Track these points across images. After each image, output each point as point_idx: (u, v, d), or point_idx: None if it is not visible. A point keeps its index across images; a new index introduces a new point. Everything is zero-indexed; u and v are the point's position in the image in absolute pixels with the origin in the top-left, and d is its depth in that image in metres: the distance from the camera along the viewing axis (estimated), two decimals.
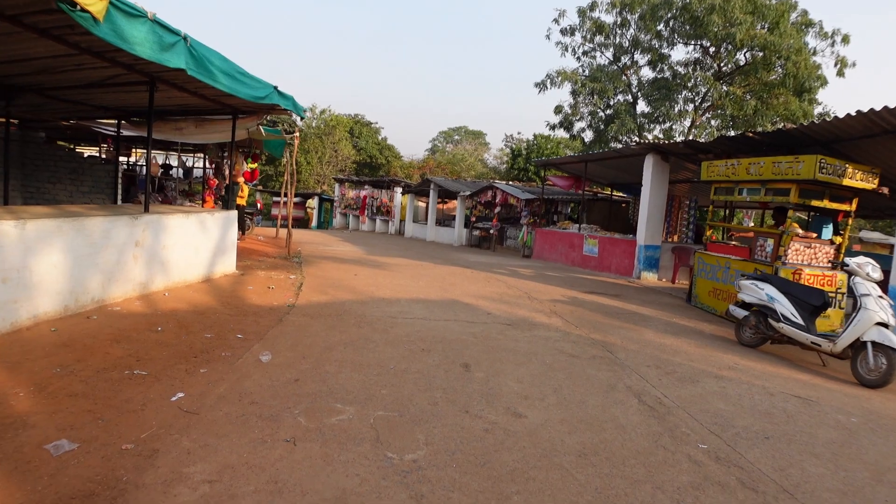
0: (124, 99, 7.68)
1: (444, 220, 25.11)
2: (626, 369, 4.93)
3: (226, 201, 12.87)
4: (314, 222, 32.69)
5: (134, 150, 11.66)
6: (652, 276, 12.65)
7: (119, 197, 9.18)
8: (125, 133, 9.21)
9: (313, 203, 32.43)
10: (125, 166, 10.69)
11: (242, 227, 14.08)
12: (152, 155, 10.29)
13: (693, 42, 20.57)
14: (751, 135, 8.99)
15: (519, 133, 51.30)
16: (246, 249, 11.73)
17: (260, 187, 34.35)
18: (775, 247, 7.70)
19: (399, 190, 27.57)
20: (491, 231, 19.29)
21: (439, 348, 5.08)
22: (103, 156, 9.00)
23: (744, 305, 6.61)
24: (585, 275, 12.72)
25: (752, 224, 15.77)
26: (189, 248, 6.78)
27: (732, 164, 8.61)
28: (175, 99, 7.36)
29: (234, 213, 7.94)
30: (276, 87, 6.47)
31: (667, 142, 11.34)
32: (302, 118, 7.62)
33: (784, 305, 6.04)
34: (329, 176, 39.14)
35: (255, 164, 12.26)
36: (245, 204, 14.08)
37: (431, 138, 69.55)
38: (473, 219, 21.02)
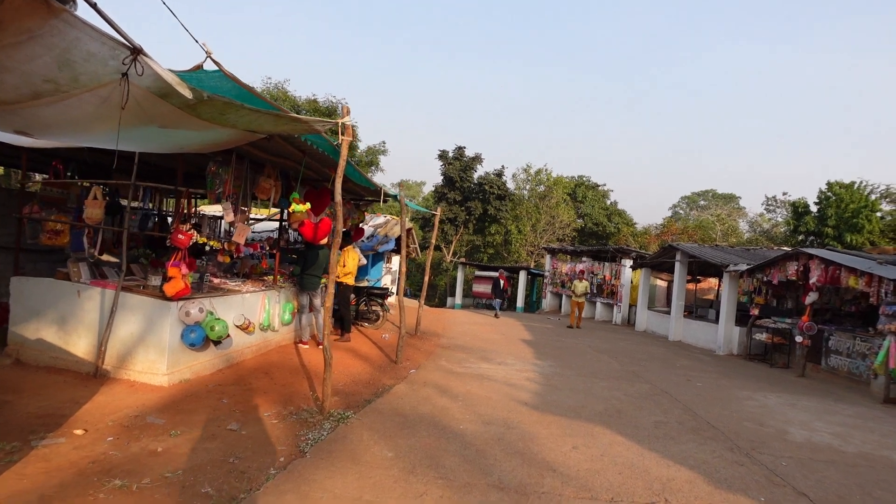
0: None
1: (697, 307, 16.33)
2: None
3: (302, 280, 7.71)
4: (520, 303, 26.72)
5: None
6: None
7: None
8: None
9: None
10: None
11: (345, 323, 8.68)
12: (102, 193, 5.63)
13: None
14: None
15: (785, 194, 38.60)
16: (289, 371, 6.16)
17: (464, 259, 30.06)
18: None
19: (628, 263, 19.83)
20: (798, 338, 10.30)
21: None
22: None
23: None
24: None
25: None
26: None
27: None
28: None
29: None
30: None
31: None
32: None
33: None
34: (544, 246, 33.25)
35: (304, 208, 6.23)
36: (351, 283, 8.79)
37: (671, 204, 59.09)
38: (755, 311, 12.14)
